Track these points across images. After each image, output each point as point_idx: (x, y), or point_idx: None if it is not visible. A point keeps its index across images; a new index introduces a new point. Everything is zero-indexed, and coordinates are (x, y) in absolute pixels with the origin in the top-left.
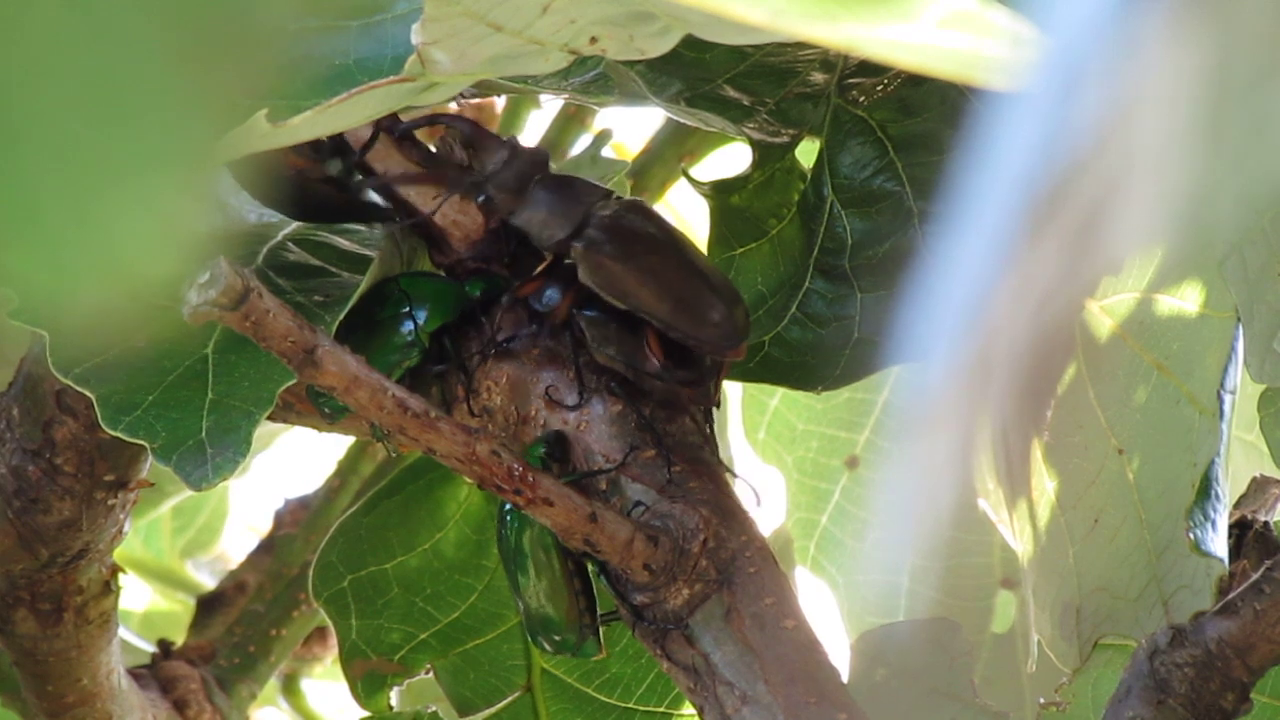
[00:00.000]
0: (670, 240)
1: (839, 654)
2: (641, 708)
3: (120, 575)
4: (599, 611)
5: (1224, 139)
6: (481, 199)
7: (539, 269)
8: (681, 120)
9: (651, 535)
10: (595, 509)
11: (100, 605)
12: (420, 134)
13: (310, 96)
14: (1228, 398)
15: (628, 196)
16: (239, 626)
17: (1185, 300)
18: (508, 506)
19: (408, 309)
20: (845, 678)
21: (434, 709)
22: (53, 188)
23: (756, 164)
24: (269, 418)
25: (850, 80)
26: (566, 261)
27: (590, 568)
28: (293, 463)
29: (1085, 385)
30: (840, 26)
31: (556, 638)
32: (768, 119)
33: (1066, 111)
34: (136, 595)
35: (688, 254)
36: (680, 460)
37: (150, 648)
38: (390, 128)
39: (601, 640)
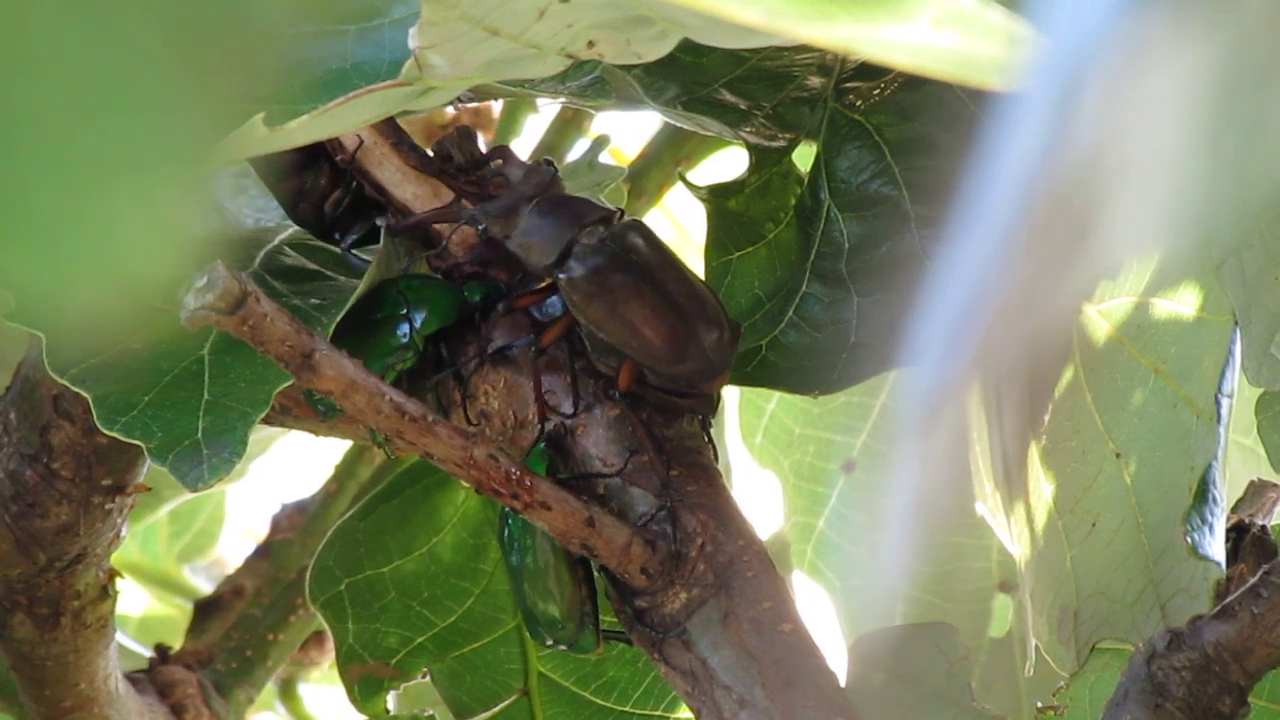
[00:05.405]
0: (653, 271)
1: (836, 658)
2: (638, 711)
3: (117, 580)
4: (602, 625)
5: (1222, 143)
6: (481, 229)
7: (538, 287)
8: (678, 124)
9: (649, 539)
10: (593, 513)
11: (97, 610)
12: (416, 135)
13: (307, 100)
14: (1225, 401)
15: (626, 218)
16: (236, 631)
17: (1183, 304)
18: None
19: (405, 311)
20: (842, 682)
21: (431, 713)
22: (50, 189)
23: (753, 168)
24: (265, 421)
25: (847, 84)
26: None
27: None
28: (290, 467)
29: (1083, 389)
30: (837, 27)
31: (556, 627)
32: (765, 123)
33: (1064, 115)
34: (134, 600)
35: (669, 286)
36: (678, 464)
37: (147, 652)
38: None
39: (599, 634)
